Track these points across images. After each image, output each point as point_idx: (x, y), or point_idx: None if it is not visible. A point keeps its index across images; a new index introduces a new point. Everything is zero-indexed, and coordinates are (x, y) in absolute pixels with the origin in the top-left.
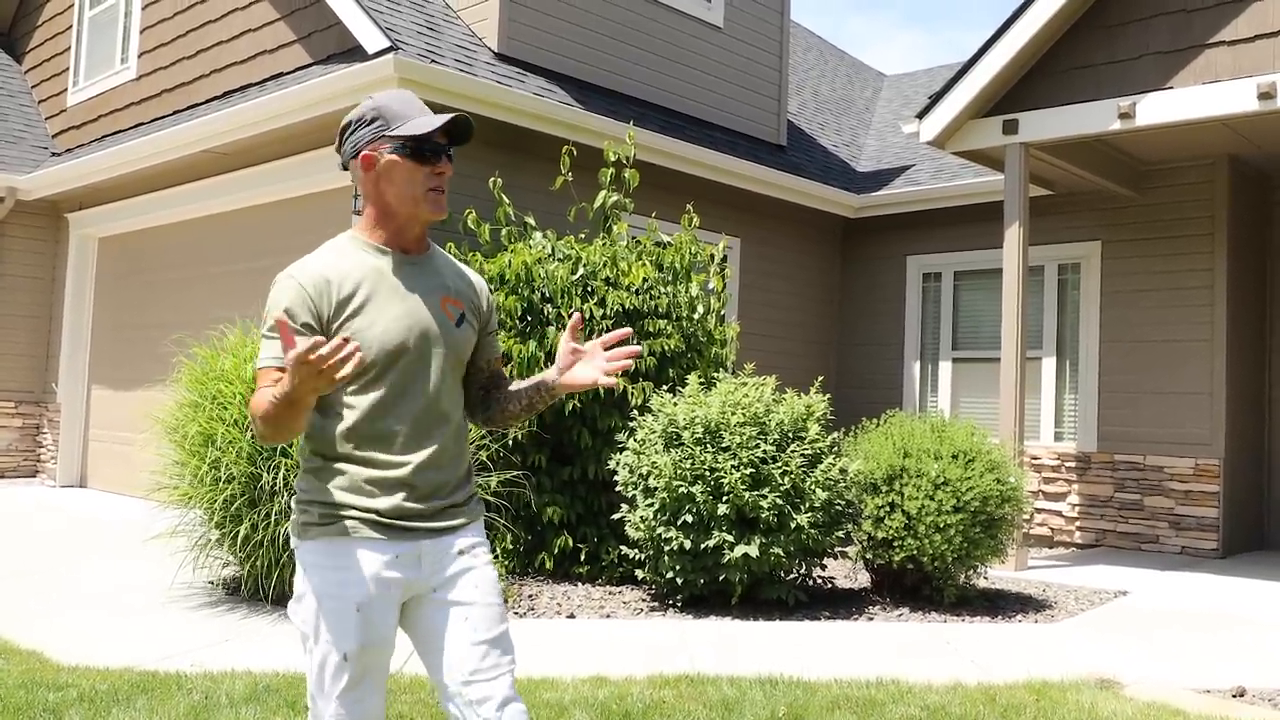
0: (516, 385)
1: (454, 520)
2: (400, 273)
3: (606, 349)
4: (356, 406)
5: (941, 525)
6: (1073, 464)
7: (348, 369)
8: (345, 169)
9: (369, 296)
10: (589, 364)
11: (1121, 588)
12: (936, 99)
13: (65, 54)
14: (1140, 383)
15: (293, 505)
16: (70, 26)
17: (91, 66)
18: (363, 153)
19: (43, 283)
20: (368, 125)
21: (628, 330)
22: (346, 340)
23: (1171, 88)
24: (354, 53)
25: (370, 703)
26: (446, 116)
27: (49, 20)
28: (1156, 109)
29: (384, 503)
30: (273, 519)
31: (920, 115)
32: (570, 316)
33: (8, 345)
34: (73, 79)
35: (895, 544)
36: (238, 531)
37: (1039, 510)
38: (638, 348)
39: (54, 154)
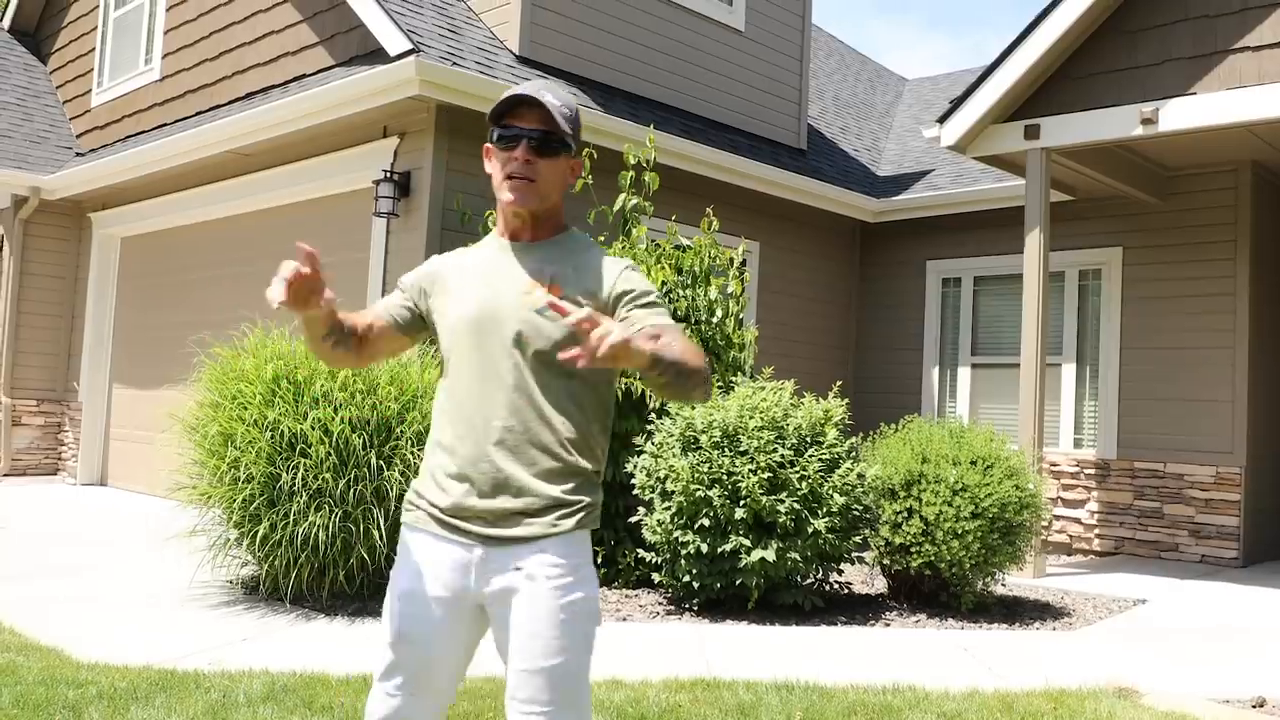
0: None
1: (518, 530)
2: (497, 258)
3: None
4: (440, 390)
5: (959, 531)
6: (1092, 471)
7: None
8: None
9: (458, 283)
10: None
11: (1141, 596)
12: (958, 104)
13: (90, 55)
14: (1161, 389)
15: None
16: (95, 28)
17: (116, 67)
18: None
19: (66, 282)
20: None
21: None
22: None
23: (1195, 93)
24: (376, 55)
25: (402, 702)
26: (509, 93)
27: (74, 21)
28: (1179, 114)
29: (443, 498)
30: (291, 519)
31: (941, 120)
32: None
33: (31, 344)
34: (97, 80)
35: (913, 550)
36: (256, 531)
37: (1058, 517)
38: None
39: (78, 154)
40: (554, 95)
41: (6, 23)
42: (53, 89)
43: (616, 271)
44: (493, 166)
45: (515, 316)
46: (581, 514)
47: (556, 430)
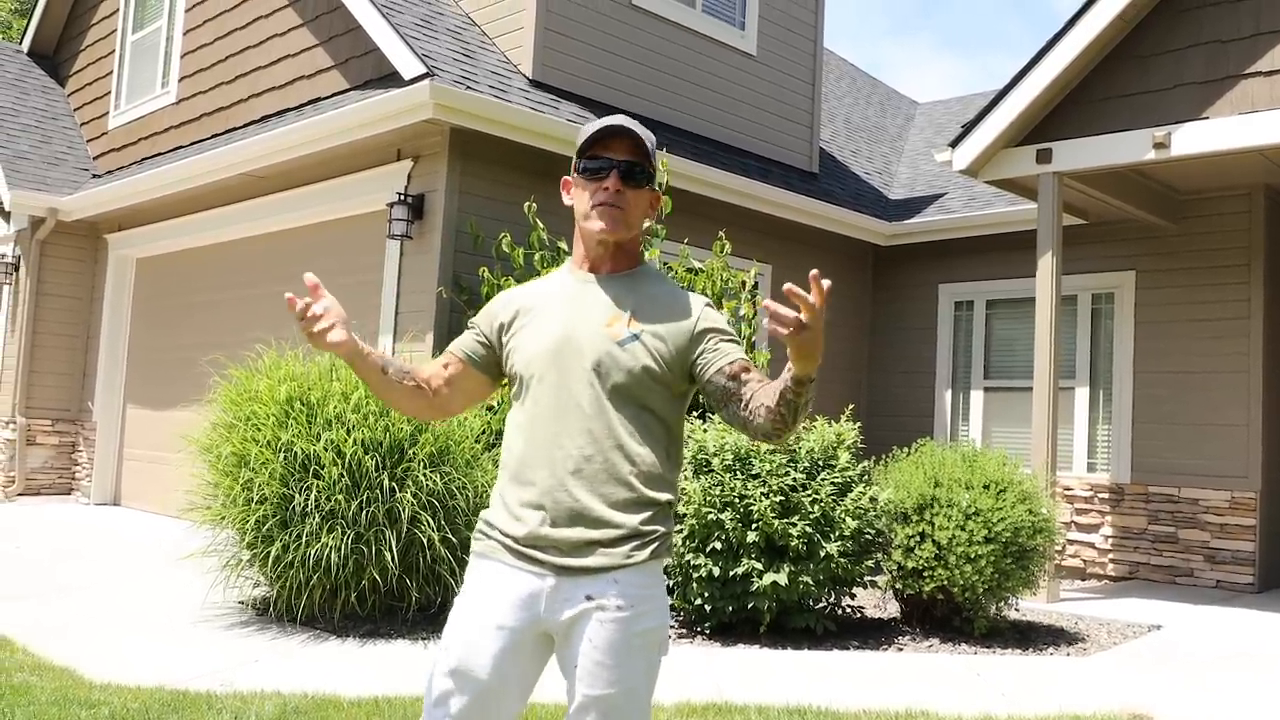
0: (773, 389)
1: (592, 560)
2: (576, 289)
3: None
4: (511, 422)
5: (972, 556)
6: (1105, 495)
7: (317, 328)
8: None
9: (533, 315)
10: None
11: (1155, 622)
12: (970, 128)
13: (108, 78)
14: (1175, 414)
15: None
16: (113, 51)
17: (133, 90)
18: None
19: (81, 302)
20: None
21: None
22: (309, 305)
23: (1207, 118)
24: (391, 79)
25: None
26: (599, 125)
27: (92, 45)
28: (1192, 139)
29: (517, 527)
30: (304, 540)
31: (953, 144)
32: None
33: (46, 363)
34: (114, 102)
35: (925, 574)
36: (269, 552)
37: (1071, 542)
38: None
39: (95, 175)
40: (639, 127)
41: (25, 45)
42: (70, 111)
43: (699, 307)
44: (576, 197)
45: (596, 347)
46: (656, 544)
47: (633, 461)
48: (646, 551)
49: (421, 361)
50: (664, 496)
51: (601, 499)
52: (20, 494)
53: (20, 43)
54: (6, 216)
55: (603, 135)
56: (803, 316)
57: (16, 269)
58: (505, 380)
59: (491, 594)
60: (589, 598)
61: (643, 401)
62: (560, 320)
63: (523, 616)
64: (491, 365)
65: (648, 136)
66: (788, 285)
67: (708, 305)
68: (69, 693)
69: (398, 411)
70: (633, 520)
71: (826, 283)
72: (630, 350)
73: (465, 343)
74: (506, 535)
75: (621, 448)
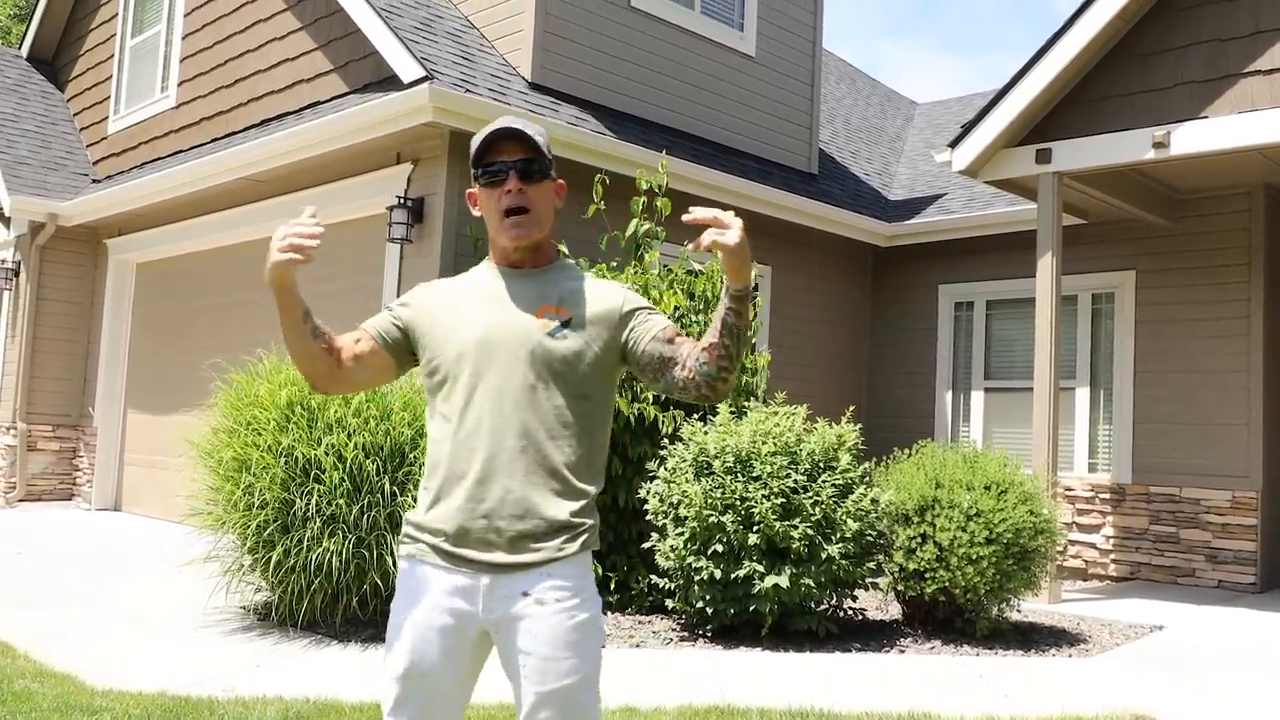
0: (712, 332)
1: (526, 555)
2: (499, 285)
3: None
4: (435, 416)
5: (974, 557)
6: (1107, 496)
7: (294, 256)
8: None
9: (455, 309)
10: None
11: (1157, 622)
12: (969, 128)
13: (107, 82)
14: (1175, 413)
15: None
16: (112, 55)
17: (132, 95)
18: (469, 192)
19: (81, 307)
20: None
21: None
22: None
23: (1206, 117)
24: (390, 82)
25: None
26: (486, 131)
27: (91, 49)
28: (1191, 138)
29: (448, 524)
30: (305, 545)
31: (953, 144)
32: None
33: (47, 369)
34: (114, 107)
35: (927, 575)
36: (270, 557)
37: (1073, 542)
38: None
39: (94, 180)
40: (526, 125)
41: (25, 50)
42: (70, 116)
43: (622, 292)
44: (483, 207)
45: (527, 339)
46: (585, 535)
47: (565, 451)
48: (577, 543)
49: (336, 332)
50: (593, 488)
51: (535, 490)
52: (21, 500)
53: (19, 48)
54: (6, 222)
55: (493, 140)
56: (717, 226)
57: (16, 274)
58: (412, 367)
59: (428, 597)
60: (525, 594)
61: (574, 390)
62: (488, 314)
63: (462, 617)
64: (401, 351)
65: (537, 132)
66: (690, 213)
67: (628, 289)
68: (71, 699)
69: (296, 366)
70: (564, 512)
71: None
72: (561, 339)
73: (380, 323)
74: (436, 535)
75: (553, 439)
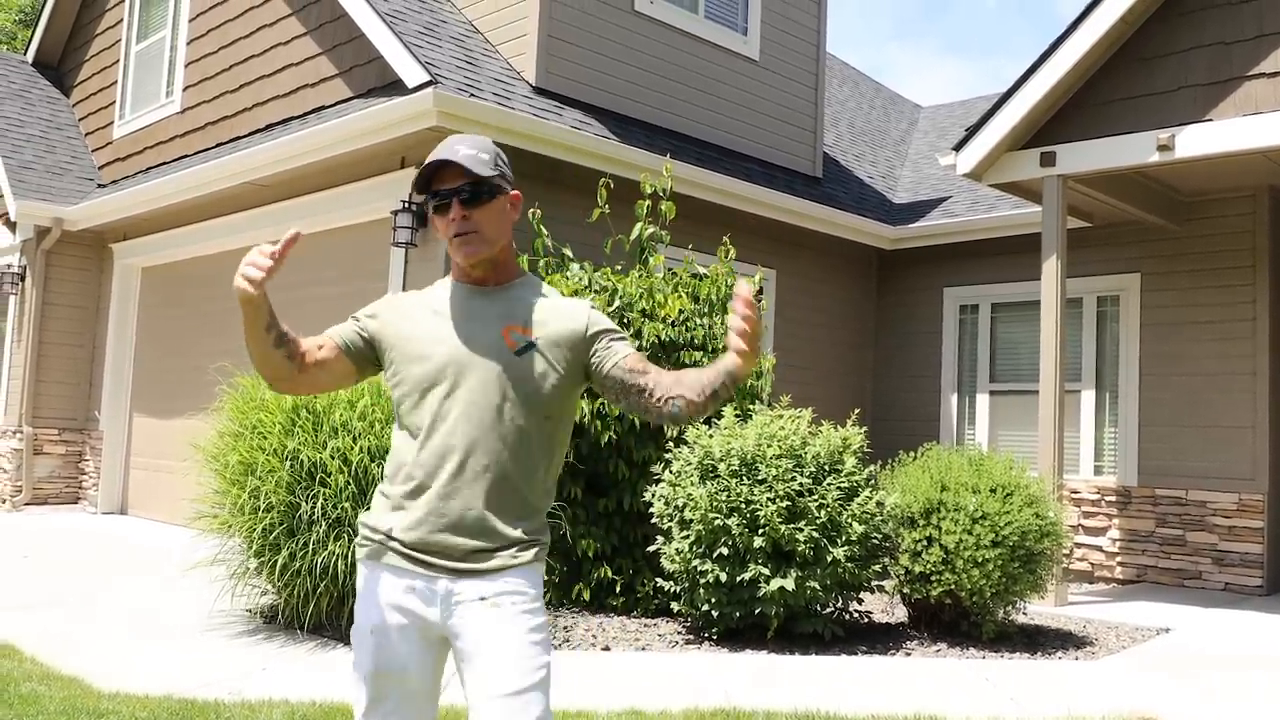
0: (697, 379)
1: (483, 564)
2: (464, 302)
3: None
4: (400, 427)
5: (980, 560)
6: (1113, 498)
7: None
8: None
9: (422, 325)
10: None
11: (1164, 625)
12: (973, 131)
13: (112, 88)
14: (1181, 416)
15: None
16: (117, 61)
17: (137, 100)
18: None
19: (87, 311)
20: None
21: (744, 292)
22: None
23: (1211, 120)
24: (394, 87)
25: None
26: (426, 162)
27: (97, 55)
28: (1196, 141)
29: (406, 531)
30: (310, 548)
31: (957, 148)
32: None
33: (52, 373)
34: (119, 112)
35: (933, 578)
36: (276, 560)
37: (1079, 545)
38: (749, 312)
39: (100, 185)
40: (467, 146)
41: (30, 56)
42: (75, 121)
43: (585, 311)
44: (437, 231)
45: (494, 358)
46: (538, 548)
47: (526, 471)
48: (531, 553)
49: (300, 336)
50: (547, 504)
51: (494, 509)
52: (27, 504)
53: (25, 53)
54: (12, 227)
55: (432, 172)
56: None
57: (22, 279)
58: (373, 375)
59: (387, 599)
60: (482, 598)
61: (538, 410)
62: (454, 332)
63: (421, 619)
64: (363, 360)
65: (481, 150)
66: (742, 299)
67: (593, 308)
68: (77, 702)
69: (257, 367)
70: (518, 530)
71: (752, 298)
72: (527, 359)
73: (345, 332)
74: (393, 539)
75: (515, 459)
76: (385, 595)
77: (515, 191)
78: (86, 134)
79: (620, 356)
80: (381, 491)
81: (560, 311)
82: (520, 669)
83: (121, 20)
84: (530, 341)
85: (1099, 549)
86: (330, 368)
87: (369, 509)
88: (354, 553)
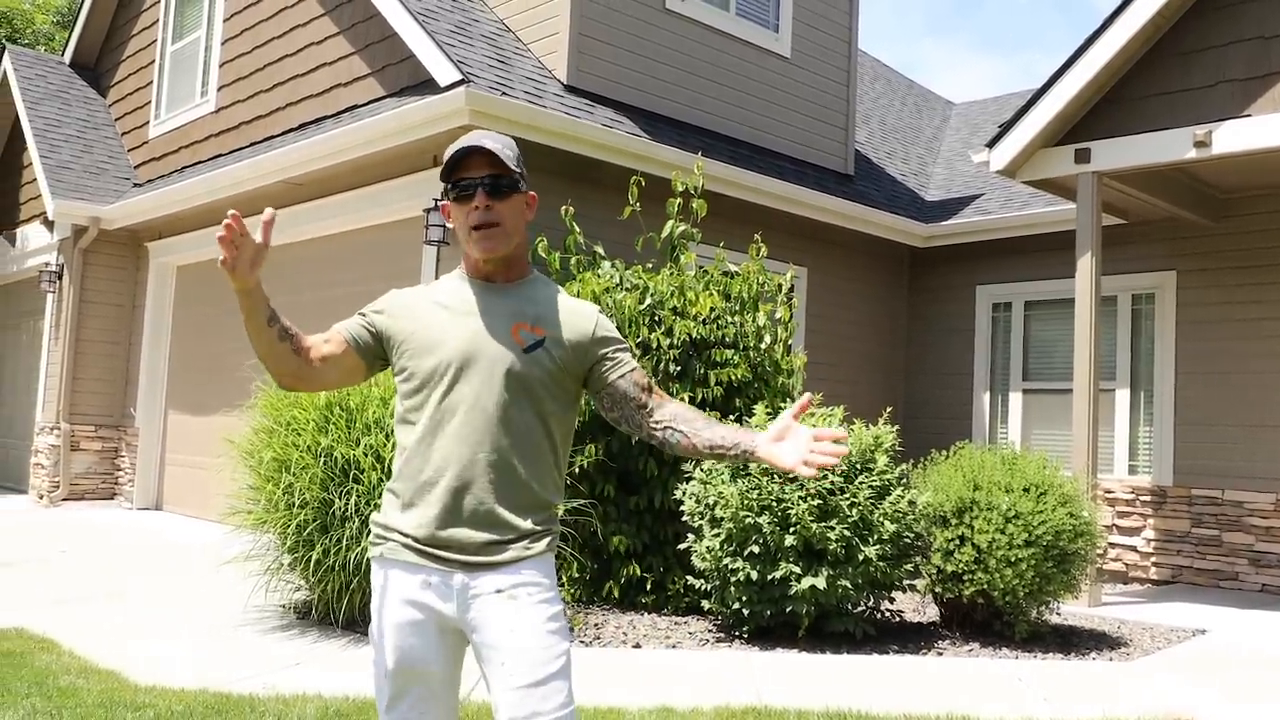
0: (710, 429)
1: (496, 556)
2: (475, 298)
3: (817, 440)
4: (408, 423)
5: (1013, 559)
6: (1147, 498)
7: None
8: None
9: (432, 320)
10: (794, 444)
11: (1199, 626)
12: (1007, 128)
13: (148, 88)
14: (1217, 415)
15: None
16: (153, 61)
17: (173, 100)
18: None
19: (123, 309)
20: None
21: (841, 433)
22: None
23: (1249, 115)
24: (427, 85)
25: None
26: (455, 148)
27: (133, 55)
28: (1234, 137)
29: (417, 527)
30: (344, 544)
31: (990, 144)
32: (637, 346)
33: (89, 370)
34: (154, 112)
35: (965, 578)
36: (310, 556)
37: (1112, 545)
38: (846, 449)
39: (136, 184)
40: (492, 140)
41: (68, 57)
42: (111, 121)
43: (595, 316)
44: (454, 220)
45: (503, 355)
46: (549, 538)
47: (534, 467)
48: (543, 543)
49: (306, 332)
50: (557, 499)
51: (504, 502)
52: (65, 499)
53: (62, 54)
54: (50, 226)
55: (460, 157)
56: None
57: (60, 277)
58: (381, 370)
59: (403, 595)
60: (499, 590)
61: (544, 408)
62: (465, 327)
63: (437, 613)
64: (371, 354)
65: (505, 146)
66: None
67: (601, 313)
68: (115, 695)
69: (263, 362)
70: (528, 522)
71: (841, 447)
72: (535, 357)
73: (352, 327)
74: (406, 536)
75: (523, 455)
76: (402, 592)
77: (532, 193)
78: (123, 134)
79: (629, 369)
80: (390, 490)
81: (569, 312)
82: (541, 658)
83: (157, 21)
84: (539, 339)
85: (1133, 549)
86: (338, 363)
87: (378, 509)
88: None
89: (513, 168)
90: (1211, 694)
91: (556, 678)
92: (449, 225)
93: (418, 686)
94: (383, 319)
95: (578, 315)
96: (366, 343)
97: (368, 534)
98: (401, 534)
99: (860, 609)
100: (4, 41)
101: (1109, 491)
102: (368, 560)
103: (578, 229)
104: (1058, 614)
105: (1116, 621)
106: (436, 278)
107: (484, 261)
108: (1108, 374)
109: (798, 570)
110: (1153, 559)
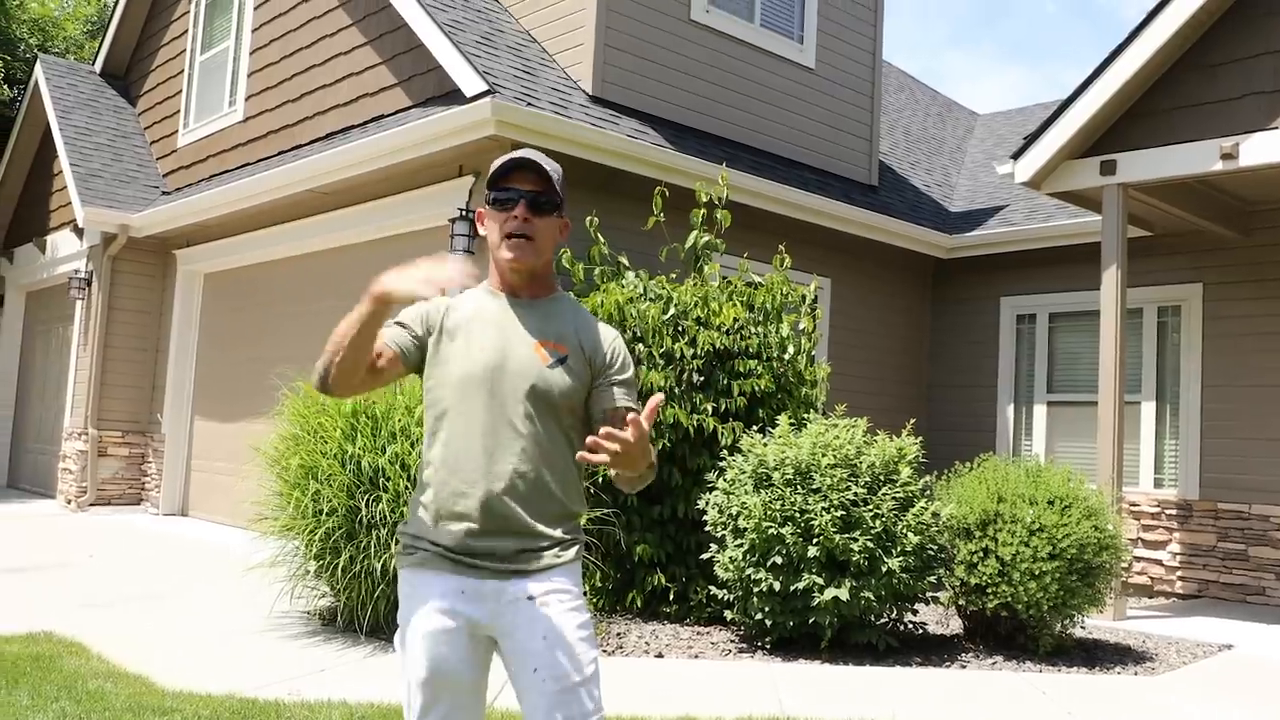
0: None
1: (528, 564)
2: (501, 312)
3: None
4: (437, 434)
5: (1037, 572)
6: (1173, 512)
7: (427, 279)
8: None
9: (466, 328)
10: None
11: (1226, 641)
12: (1031, 140)
13: (177, 97)
14: (1244, 429)
15: None
16: (182, 71)
17: (201, 109)
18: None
19: (151, 317)
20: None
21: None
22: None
23: (1276, 127)
24: (452, 96)
25: None
26: (506, 159)
27: (162, 65)
28: (1260, 149)
29: (449, 536)
30: (370, 551)
31: (1015, 156)
32: (660, 356)
33: (117, 377)
34: (183, 121)
35: (989, 590)
36: (336, 563)
37: (1138, 559)
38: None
39: (164, 193)
40: (545, 161)
41: (98, 66)
42: (141, 130)
43: (612, 340)
44: (489, 228)
45: (528, 370)
46: (577, 547)
47: (558, 476)
48: (572, 551)
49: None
50: (580, 509)
51: (534, 513)
52: (92, 504)
53: (93, 63)
54: (80, 233)
55: (510, 168)
56: (615, 447)
57: (89, 284)
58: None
59: (435, 603)
60: (530, 598)
61: (564, 422)
62: (492, 341)
63: (470, 620)
64: (414, 365)
65: (554, 169)
66: (598, 435)
67: (618, 338)
68: (143, 699)
69: (330, 367)
70: (557, 531)
71: (644, 421)
72: (558, 373)
73: (400, 339)
74: (438, 545)
75: (550, 463)
76: (435, 600)
77: (567, 219)
78: (152, 142)
79: (612, 404)
80: (419, 501)
81: (591, 333)
82: (572, 665)
83: (186, 31)
84: (563, 356)
85: (1159, 563)
86: (387, 374)
87: (404, 518)
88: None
89: (556, 189)
90: (1239, 710)
91: (588, 684)
92: (481, 233)
93: (449, 695)
94: (421, 329)
95: (599, 336)
96: (413, 354)
97: (396, 542)
98: (432, 543)
99: (883, 621)
100: (36, 51)
101: (1134, 505)
102: (394, 568)
103: (602, 239)
104: (1082, 627)
105: (1142, 636)
106: (462, 287)
107: (511, 272)
108: (1133, 386)
109: (820, 581)
110: (1178, 573)
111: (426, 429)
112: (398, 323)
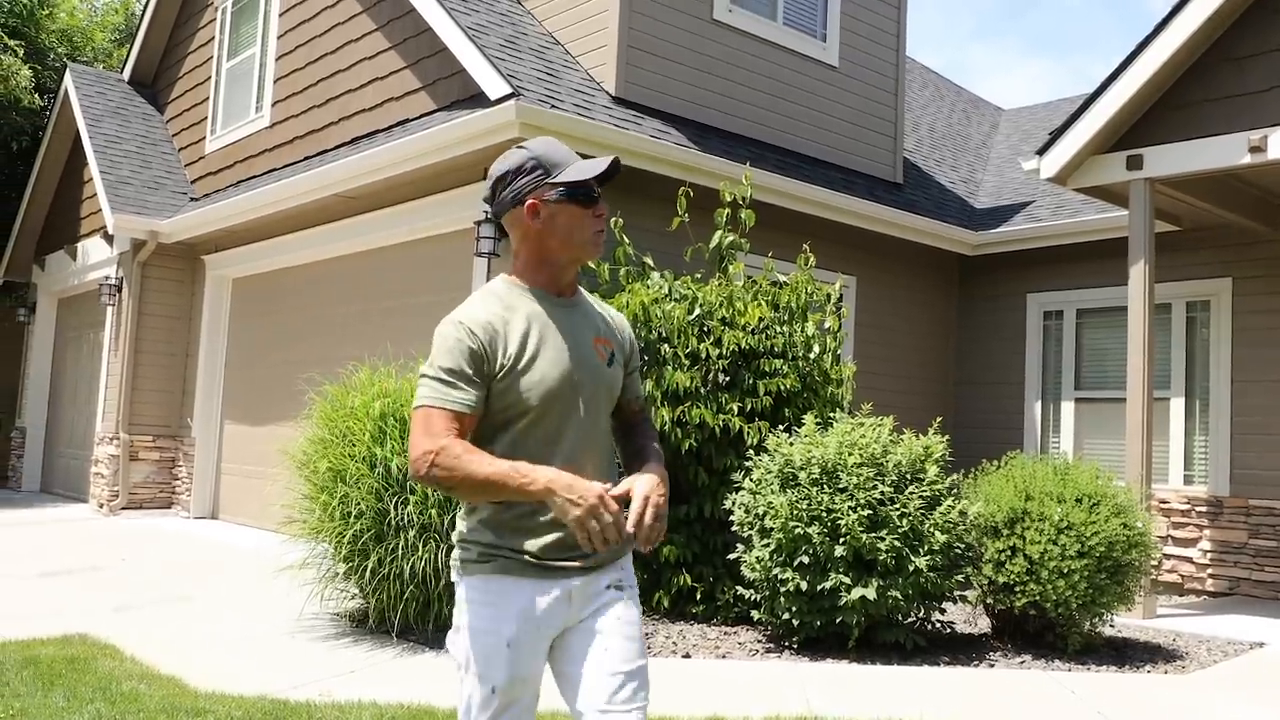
0: (632, 456)
1: (604, 558)
2: (557, 316)
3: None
4: (517, 446)
5: (1065, 570)
6: (1203, 508)
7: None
8: (498, 217)
9: (536, 345)
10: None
11: (1258, 639)
12: (1057, 135)
13: (204, 104)
14: (1276, 424)
15: (455, 542)
16: (209, 78)
17: (228, 115)
18: (527, 201)
19: (180, 321)
20: (528, 174)
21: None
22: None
23: None
24: (477, 99)
25: None
26: (607, 160)
27: (189, 72)
28: None
29: (536, 544)
30: (399, 554)
31: (1040, 151)
32: (686, 356)
33: (147, 381)
34: (210, 127)
35: (1017, 589)
36: (365, 565)
37: (1167, 556)
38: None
39: (192, 199)
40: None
41: (126, 74)
42: (169, 136)
43: (628, 328)
44: (568, 221)
45: (595, 371)
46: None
47: (613, 470)
48: (629, 546)
49: (448, 431)
50: None
51: None
52: (123, 508)
53: (121, 71)
54: (110, 239)
55: (610, 173)
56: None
57: (119, 290)
58: None
59: (523, 608)
60: (608, 586)
61: (609, 416)
62: (563, 346)
63: (558, 619)
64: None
65: None
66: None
67: (626, 322)
68: (176, 701)
69: (438, 489)
70: None
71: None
72: (614, 369)
73: (469, 400)
74: (524, 553)
75: (609, 459)
76: (523, 607)
77: None
78: (180, 149)
79: (636, 392)
80: (495, 506)
81: (620, 324)
82: (637, 649)
83: (213, 39)
84: (613, 354)
85: (1189, 560)
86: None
87: (474, 526)
88: (441, 558)
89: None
90: (1270, 708)
91: (646, 670)
92: (529, 221)
93: (525, 695)
94: (475, 368)
95: (622, 326)
96: (484, 401)
97: (423, 543)
98: (515, 550)
99: (910, 620)
100: (65, 60)
101: (1164, 502)
102: (422, 569)
103: (627, 240)
104: (1111, 626)
105: (1172, 634)
106: None
107: (574, 268)
108: (1162, 382)
109: (848, 581)
110: (1209, 570)
111: (481, 436)
112: (455, 379)
